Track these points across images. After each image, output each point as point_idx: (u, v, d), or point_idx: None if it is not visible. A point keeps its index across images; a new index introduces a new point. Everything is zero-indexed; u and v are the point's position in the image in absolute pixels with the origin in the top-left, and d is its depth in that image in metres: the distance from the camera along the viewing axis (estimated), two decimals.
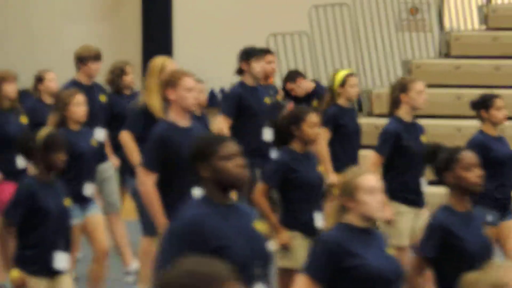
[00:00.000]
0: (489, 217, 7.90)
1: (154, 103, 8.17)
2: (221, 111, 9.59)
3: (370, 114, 11.90)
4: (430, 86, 9.82)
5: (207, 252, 3.85)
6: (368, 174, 4.45)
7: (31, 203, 5.92)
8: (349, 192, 4.23)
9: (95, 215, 7.80)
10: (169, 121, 7.10)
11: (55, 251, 5.85)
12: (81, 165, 7.66)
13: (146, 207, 7.29)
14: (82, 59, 9.55)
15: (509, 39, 12.29)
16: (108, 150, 9.47)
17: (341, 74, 9.51)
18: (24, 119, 8.71)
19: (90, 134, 8.16)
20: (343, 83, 8.90)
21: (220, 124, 9.43)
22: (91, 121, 8.72)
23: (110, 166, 9.50)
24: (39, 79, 9.96)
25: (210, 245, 3.98)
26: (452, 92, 11.54)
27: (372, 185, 4.32)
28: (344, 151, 9.04)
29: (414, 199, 8.02)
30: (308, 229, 7.26)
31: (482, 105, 7.81)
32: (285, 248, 7.28)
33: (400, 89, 7.72)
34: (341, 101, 8.84)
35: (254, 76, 9.37)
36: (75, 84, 9.57)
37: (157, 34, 15.83)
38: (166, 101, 7.27)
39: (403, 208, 7.95)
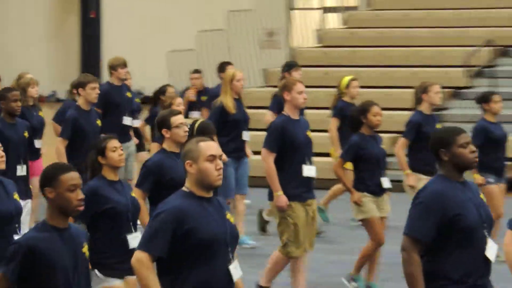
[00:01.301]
0: (490, 179, 9.72)
1: (228, 103, 10.71)
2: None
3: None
4: None
5: (448, 218, 4.58)
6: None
7: None
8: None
9: None
10: (286, 114, 8.46)
11: None
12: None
13: (268, 178, 8.76)
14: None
15: (335, 53, 16.54)
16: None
17: (346, 79, 11.37)
18: (41, 113, 10.46)
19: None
20: (347, 86, 11.00)
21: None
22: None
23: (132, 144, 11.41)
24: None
25: (450, 212, 4.63)
26: None
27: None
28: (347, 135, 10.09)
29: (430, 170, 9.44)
30: (374, 191, 8.86)
31: (483, 100, 9.71)
32: (358, 205, 8.81)
33: (422, 91, 9.50)
34: (346, 98, 10.85)
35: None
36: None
37: (92, 53, 19.77)
38: (283, 101, 8.78)
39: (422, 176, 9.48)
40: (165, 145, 7.37)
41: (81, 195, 4.40)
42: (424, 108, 9.66)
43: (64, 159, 9.64)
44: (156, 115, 11.61)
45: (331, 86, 12.88)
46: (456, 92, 14.97)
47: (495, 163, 9.72)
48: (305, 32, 19.73)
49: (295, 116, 8.63)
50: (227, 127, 10.91)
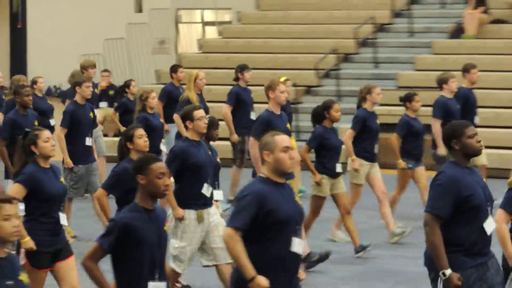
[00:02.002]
0: (410, 165, 10.69)
1: (193, 97, 11.96)
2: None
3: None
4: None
5: (462, 197, 5.10)
6: None
7: None
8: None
9: None
10: (270, 110, 9.34)
11: None
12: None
13: (253, 161, 9.57)
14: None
15: (213, 58, 18.89)
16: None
17: (281, 78, 11.89)
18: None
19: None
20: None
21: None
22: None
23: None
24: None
25: (464, 193, 5.13)
26: None
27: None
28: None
29: (370, 157, 10.34)
30: (331, 174, 9.58)
31: (407, 99, 10.69)
32: (318, 185, 9.56)
33: (366, 91, 10.19)
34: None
35: None
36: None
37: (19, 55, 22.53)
38: (268, 98, 9.41)
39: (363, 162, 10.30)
40: (188, 134, 7.93)
41: (167, 182, 4.91)
42: (368, 106, 10.50)
43: (64, 144, 10.47)
44: (123, 105, 13.43)
45: (211, 84, 15.14)
46: (308, 90, 17.14)
47: (415, 151, 10.79)
48: (189, 41, 22.90)
49: (277, 111, 9.48)
50: None
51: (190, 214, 7.94)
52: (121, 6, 22.82)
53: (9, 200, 4.46)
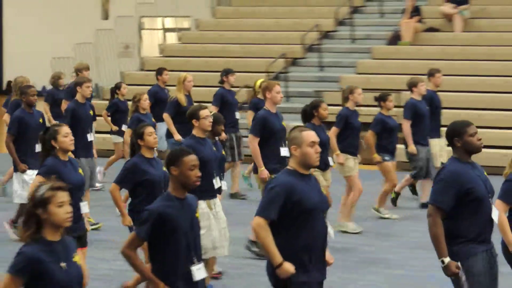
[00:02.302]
0: (387, 158, 10.86)
1: (181, 97, 12.19)
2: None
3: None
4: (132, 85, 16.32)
5: (464, 190, 5.24)
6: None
7: None
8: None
9: None
10: (266, 109, 9.32)
11: None
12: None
13: (253, 157, 9.39)
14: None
15: (173, 62, 19.16)
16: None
17: (258, 82, 12.17)
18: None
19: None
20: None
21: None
22: None
23: None
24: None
25: (465, 186, 5.33)
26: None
27: None
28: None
29: (354, 151, 10.56)
30: (321, 167, 9.45)
31: (381, 99, 10.86)
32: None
33: (348, 92, 10.38)
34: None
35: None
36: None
37: None
38: (264, 99, 9.48)
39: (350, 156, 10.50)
40: (194, 132, 8.13)
41: (198, 173, 4.95)
42: (350, 105, 10.81)
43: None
44: (115, 105, 13.39)
45: (171, 85, 15.02)
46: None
47: (390, 146, 11.02)
48: (151, 46, 24.31)
49: (273, 110, 9.56)
50: (180, 115, 11.87)
51: (201, 204, 8.10)
52: (90, 13, 24.44)
53: (62, 188, 4.49)
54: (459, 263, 5.30)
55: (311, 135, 5.09)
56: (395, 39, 19.01)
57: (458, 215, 5.47)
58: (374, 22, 20.58)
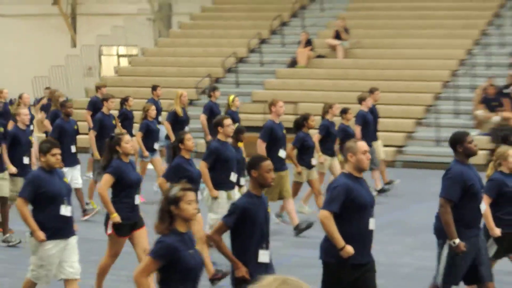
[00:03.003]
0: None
1: (178, 109, 12.58)
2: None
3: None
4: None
5: (467, 186, 5.77)
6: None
7: None
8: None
9: None
10: (272, 120, 9.88)
11: None
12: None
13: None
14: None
15: (127, 80, 20.97)
16: None
17: (231, 97, 12.79)
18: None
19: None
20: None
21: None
22: None
23: None
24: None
25: (468, 183, 5.82)
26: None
27: None
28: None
29: (331, 154, 11.00)
30: (308, 165, 10.25)
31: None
32: (299, 174, 10.25)
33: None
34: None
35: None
36: None
37: None
38: (270, 112, 9.96)
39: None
40: (219, 137, 8.37)
41: (273, 175, 5.22)
42: (329, 117, 11.38)
43: (94, 145, 11.15)
44: (123, 114, 12.90)
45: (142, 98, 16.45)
46: (191, 102, 17.98)
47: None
48: (109, 68, 26.54)
49: (277, 120, 10.16)
50: (178, 124, 12.94)
51: (222, 194, 8.50)
52: (62, 42, 26.59)
53: (190, 189, 4.57)
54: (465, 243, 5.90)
55: (364, 146, 5.44)
56: (293, 63, 20.64)
57: (459, 205, 6.02)
58: (278, 50, 22.05)
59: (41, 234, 6.30)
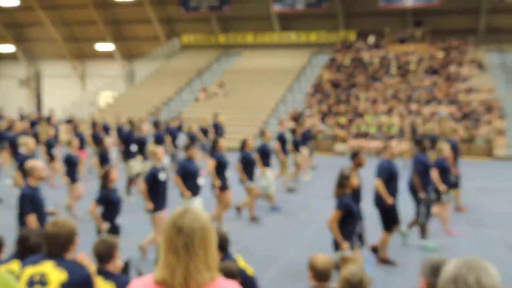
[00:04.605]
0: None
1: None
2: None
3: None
4: None
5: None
6: None
7: None
8: None
9: None
10: (283, 131, 13.00)
11: None
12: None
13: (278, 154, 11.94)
14: None
15: (113, 110, 35.20)
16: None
17: (221, 118, 17.42)
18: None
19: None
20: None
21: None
22: None
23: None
24: None
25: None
26: None
27: None
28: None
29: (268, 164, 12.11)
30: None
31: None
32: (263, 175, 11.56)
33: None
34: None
35: None
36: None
37: None
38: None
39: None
40: (246, 149, 10.04)
41: (357, 181, 5.86)
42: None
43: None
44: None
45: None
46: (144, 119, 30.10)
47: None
48: (102, 103, 38.65)
49: (284, 132, 13.01)
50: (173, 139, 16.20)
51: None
52: (77, 88, 38.34)
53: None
54: None
55: (396, 147, 6.91)
56: (196, 99, 33.59)
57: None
58: (188, 94, 34.87)
59: None
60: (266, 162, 12.91)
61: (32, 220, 7.36)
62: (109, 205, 8.46)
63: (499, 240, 11.12)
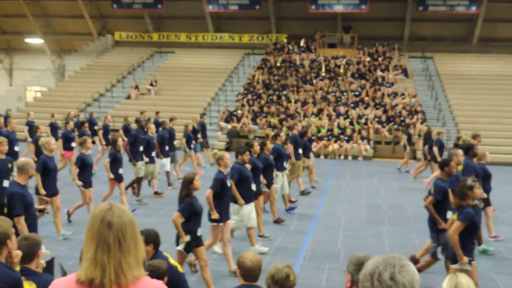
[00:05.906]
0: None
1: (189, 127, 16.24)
2: None
3: None
4: None
5: None
6: None
7: None
8: None
9: None
10: (295, 134, 12.18)
11: None
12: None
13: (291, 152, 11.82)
14: None
15: (42, 104, 34.81)
16: None
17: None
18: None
19: None
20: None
21: None
22: None
23: None
24: None
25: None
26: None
27: None
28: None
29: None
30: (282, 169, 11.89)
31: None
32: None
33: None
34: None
35: None
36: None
37: None
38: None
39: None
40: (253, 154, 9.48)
41: None
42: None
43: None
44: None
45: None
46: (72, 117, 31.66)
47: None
48: (30, 98, 37.62)
49: (296, 133, 12.78)
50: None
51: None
52: (4, 83, 38.90)
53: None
54: None
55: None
56: (128, 97, 33.37)
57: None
58: (121, 90, 35.63)
59: None
60: (280, 165, 12.78)
61: (22, 223, 7.26)
62: (192, 216, 7.82)
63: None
